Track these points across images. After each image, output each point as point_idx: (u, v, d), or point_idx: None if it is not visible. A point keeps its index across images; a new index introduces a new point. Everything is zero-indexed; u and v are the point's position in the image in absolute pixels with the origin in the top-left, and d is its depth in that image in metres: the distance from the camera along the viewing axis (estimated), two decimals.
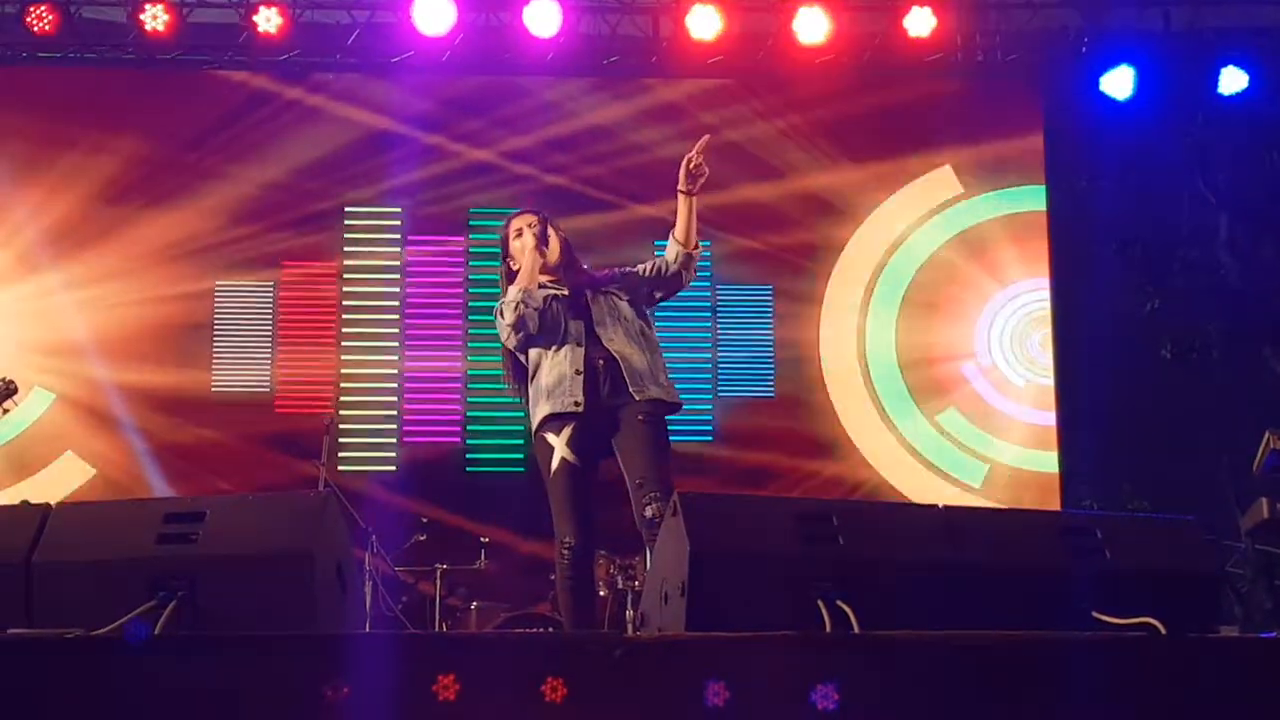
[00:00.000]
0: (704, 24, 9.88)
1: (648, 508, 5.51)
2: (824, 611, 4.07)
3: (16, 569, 4.20)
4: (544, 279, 5.93)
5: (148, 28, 9.75)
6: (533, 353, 5.90)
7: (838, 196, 10.64)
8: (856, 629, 4.03)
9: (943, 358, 10.54)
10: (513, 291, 5.84)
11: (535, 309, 5.80)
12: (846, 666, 3.79)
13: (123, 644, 3.84)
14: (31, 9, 9.72)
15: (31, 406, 9.81)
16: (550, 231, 5.99)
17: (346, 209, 10.46)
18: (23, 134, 10.30)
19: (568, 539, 5.67)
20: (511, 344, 5.91)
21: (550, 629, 8.07)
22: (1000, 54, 10.50)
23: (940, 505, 4.69)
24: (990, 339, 10.56)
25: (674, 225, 6.05)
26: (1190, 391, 10.24)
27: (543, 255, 5.91)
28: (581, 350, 5.77)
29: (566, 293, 5.90)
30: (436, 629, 8.61)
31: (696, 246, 6.01)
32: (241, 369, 10.28)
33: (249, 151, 10.42)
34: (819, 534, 4.32)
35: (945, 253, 10.61)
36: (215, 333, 10.31)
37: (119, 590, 4.06)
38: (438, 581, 8.85)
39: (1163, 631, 4.17)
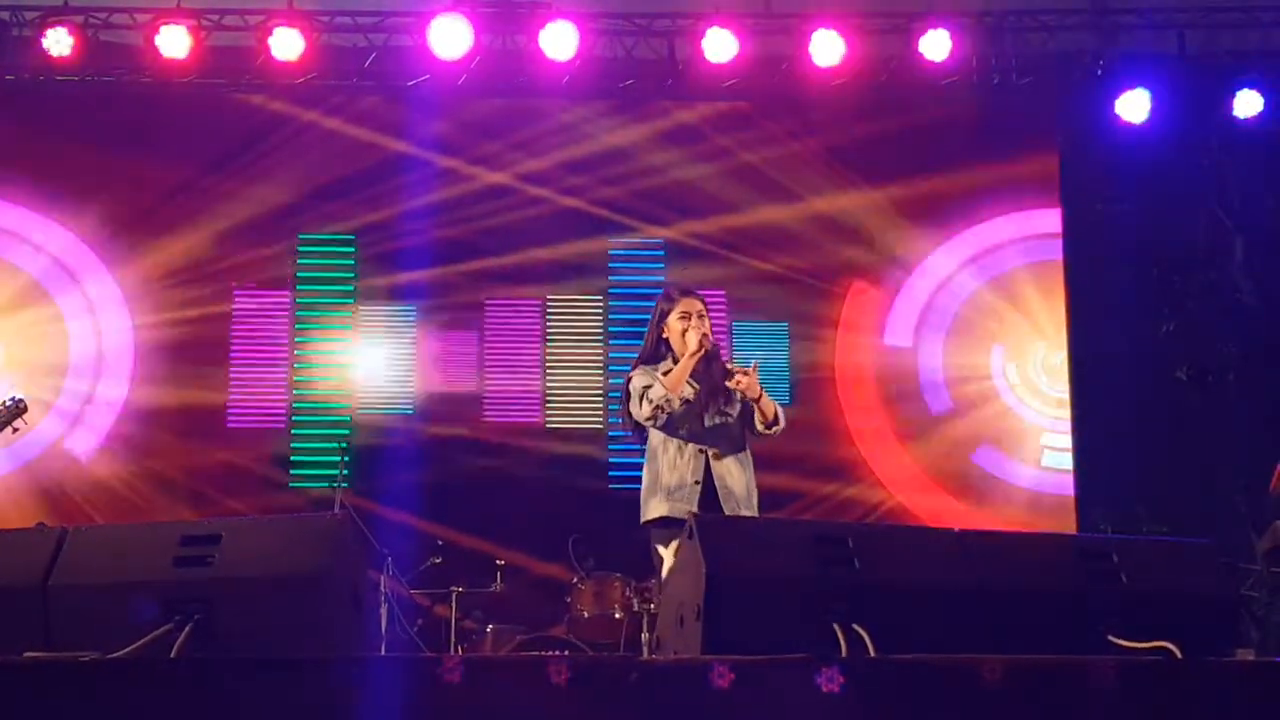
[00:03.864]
0: (720, 47, 9.89)
1: None
2: (839, 635, 4.06)
3: (34, 592, 4.22)
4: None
5: (165, 51, 9.78)
6: (656, 434, 6.34)
7: (854, 219, 10.64)
8: (872, 652, 4.03)
9: (958, 380, 10.52)
10: (658, 391, 6.21)
11: (672, 413, 6.21)
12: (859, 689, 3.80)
13: (139, 667, 3.85)
14: (49, 32, 9.76)
15: (46, 427, 9.83)
16: (705, 313, 6.39)
17: (360, 235, 10.47)
18: (40, 156, 10.32)
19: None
20: (641, 421, 6.31)
21: (566, 651, 8.06)
22: (1015, 76, 10.49)
23: (955, 529, 4.69)
24: (1006, 362, 10.54)
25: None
26: (1206, 414, 10.22)
27: (702, 357, 6.26)
28: (703, 459, 6.23)
29: (698, 387, 6.28)
30: (452, 652, 8.60)
31: (777, 421, 6.34)
32: (257, 390, 10.28)
33: (266, 174, 10.45)
34: (834, 557, 4.32)
35: (962, 276, 10.60)
36: (233, 353, 10.32)
37: (136, 613, 4.07)
38: (453, 604, 8.84)
39: (1179, 655, 4.16)
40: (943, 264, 10.62)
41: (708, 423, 6.29)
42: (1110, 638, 4.25)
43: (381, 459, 10.07)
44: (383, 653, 7.69)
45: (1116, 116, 10.22)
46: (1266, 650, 8.70)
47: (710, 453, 6.23)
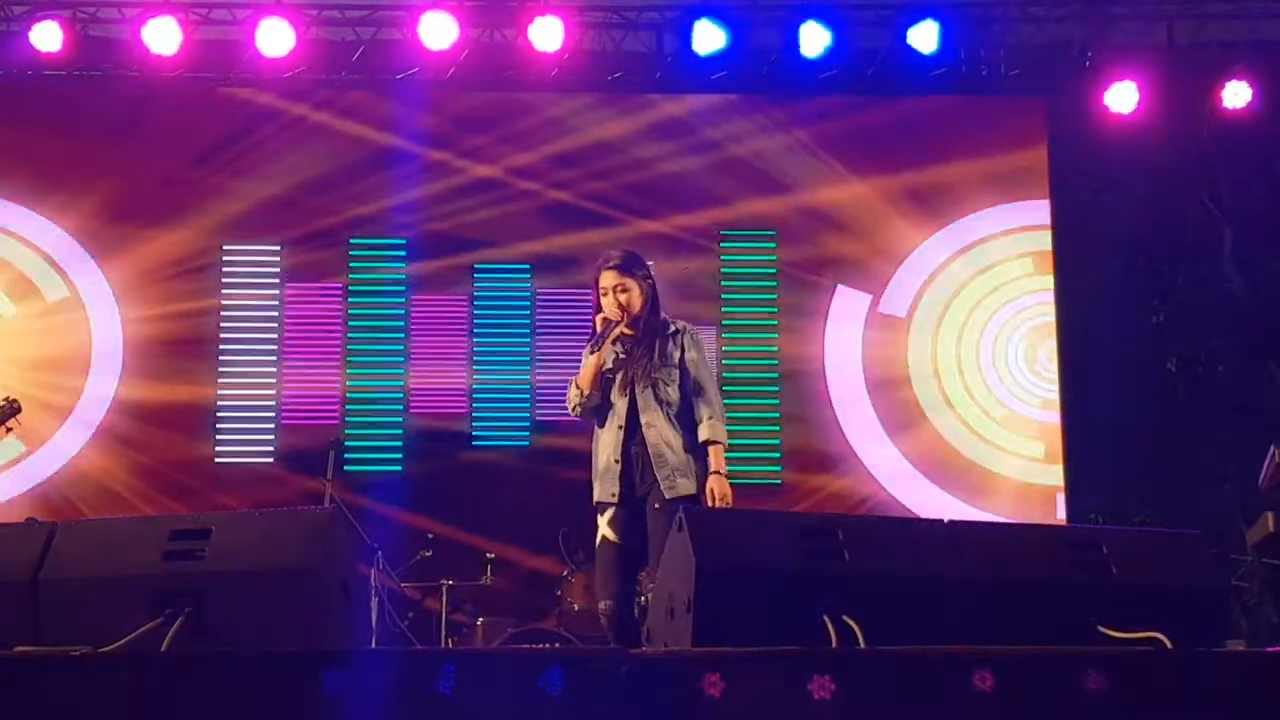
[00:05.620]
0: (707, 39, 9.89)
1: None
2: (829, 626, 4.07)
3: (23, 586, 4.22)
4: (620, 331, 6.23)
5: (153, 45, 9.76)
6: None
7: (842, 211, 10.63)
8: (862, 644, 4.04)
9: (948, 371, 10.53)
10: (572, 392, 6.25)
11: (592, 407, 6.23)
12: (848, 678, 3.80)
13: (129, 661, 3.85)
14: (37, 26, 9.74)
15: (37, 426, 9.80)
16: (633, 284, 6.23)
17: (351, 232, 10.45)
18: (28, 151, 10.30)
19: (603, 604, 6.16)
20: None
21: (556, 644, 8.07)
22: (1004, 68, 10.50)
23: (945, 520, 4.70)
24: (995, 353, 10.55)
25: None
26: (1196, 405, 10.24)
27: (605, 348, 6.18)
28: (623, 434, 6.16)
29: (622, 355, 6.21)
30: (443, 645, 8.60)
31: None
32: (246, 385, 10.27)
33: (254, 168, 10.43)
34: (824, 549, 4.34)
35: (951, 266, 10.60)
36: (221, 349, 10.31)
37: (126, 607, 4.07)
38: (444, 597, 8.84)
39: (1169, 646, 4.17)
40: (931, 255, 10.62)
41: (639, 392, 6.17)
42: (1100, 628, 4.26)
43: (371, 453, 10.06)
44: (373, 646, 7.68)
45: (1105, 108, 10.23)
46: (1257, 641, 8.73)
47: (642, 422, 6.12)
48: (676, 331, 6.30)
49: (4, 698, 3.77)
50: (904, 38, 9.99)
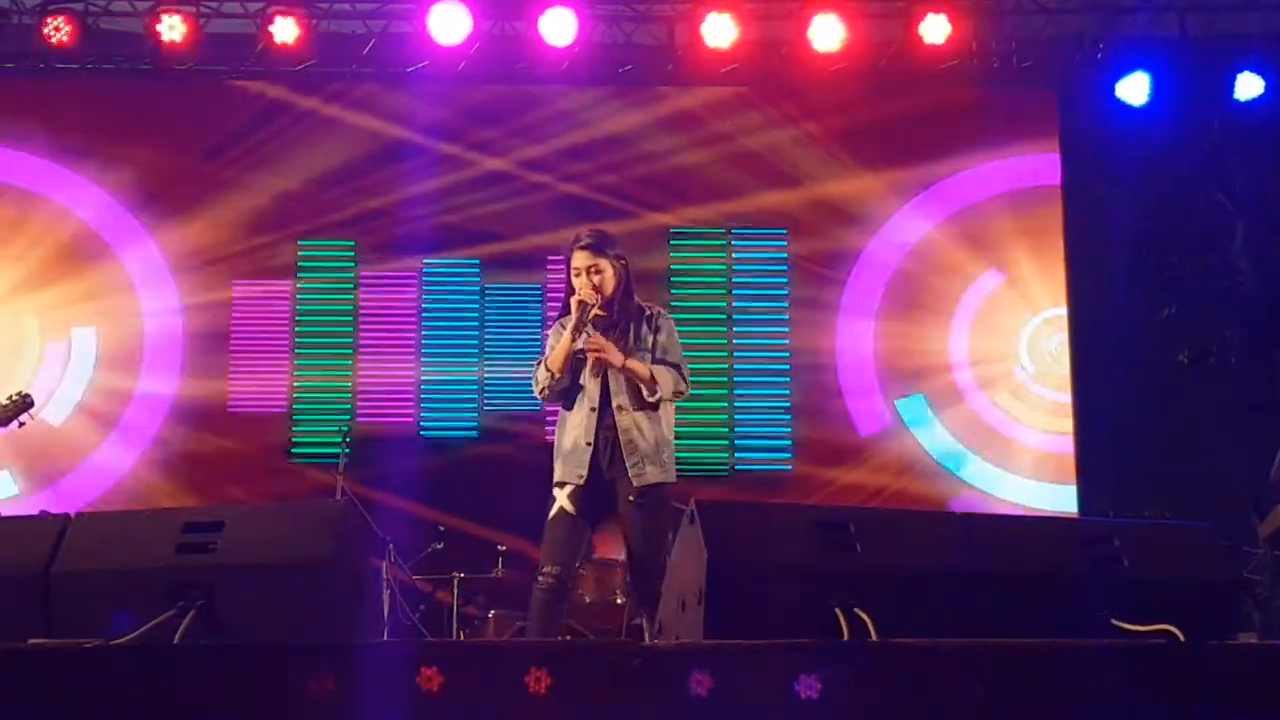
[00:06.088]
0: (719, 32, 9.88)
1: (638, 589, 6.22)
2: (841, 620, 4.07)
3: (36, 579, 4.23)
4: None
5: (164, 38, 9.78)
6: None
7: (853, 204, 10.63)
8: (874, 636, 4.03)
9: (959, 364, 10.51)
10: (542, 372, 6.12)
11: (560, 390, 6.11)
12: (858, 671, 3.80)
13: (141, 653, 3.85)
14: (49, 20, 9.76)
15: (50, 417, 9.84)
16: (606, 264, 6.14)
17: (361, 225, 10.46)
18: (40, 145, 10.32)
19: (548, 568, 5.97)
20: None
21: (567, 636, 8.07)
22: (1016, 60, 10.47)
23: (958, 512, 4.69)
24: (1005, 345, 10.53)
25: None
26: (1207, 397, 10.20)
27: (594, 310, 6.07)
28: (595, 417, 6.06)
29: (601, 331, 6.08)
30: (454, 638, 8.61)
31: (655, 389, 6.07)
32: (258, 379, 10.29)
33: (265, 162, 10.45)
34: (836, 542, 4.33)
35: (962, 259, 10.59)
36: (232, 343, 10.33)
37: (138, 600, 4.08)
38: (455, 590, 8.84)
39: (1181, 639, 4.17)
40: (942, 247, 10.61)
41: (612, 375, 6.07)
42: (1113, 621, 4.25)
43: (382, 445, 10.05)
44: (385, 639, 7.69)
45: (1117, 99, 10.21)
46: (1269, 634, 8.71)
47: (613, 405, 6.04)
48: (650, 315, 6.23)
49: (16, 690, 3.78)
50: (915, 30, 9.96)
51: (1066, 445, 10.37)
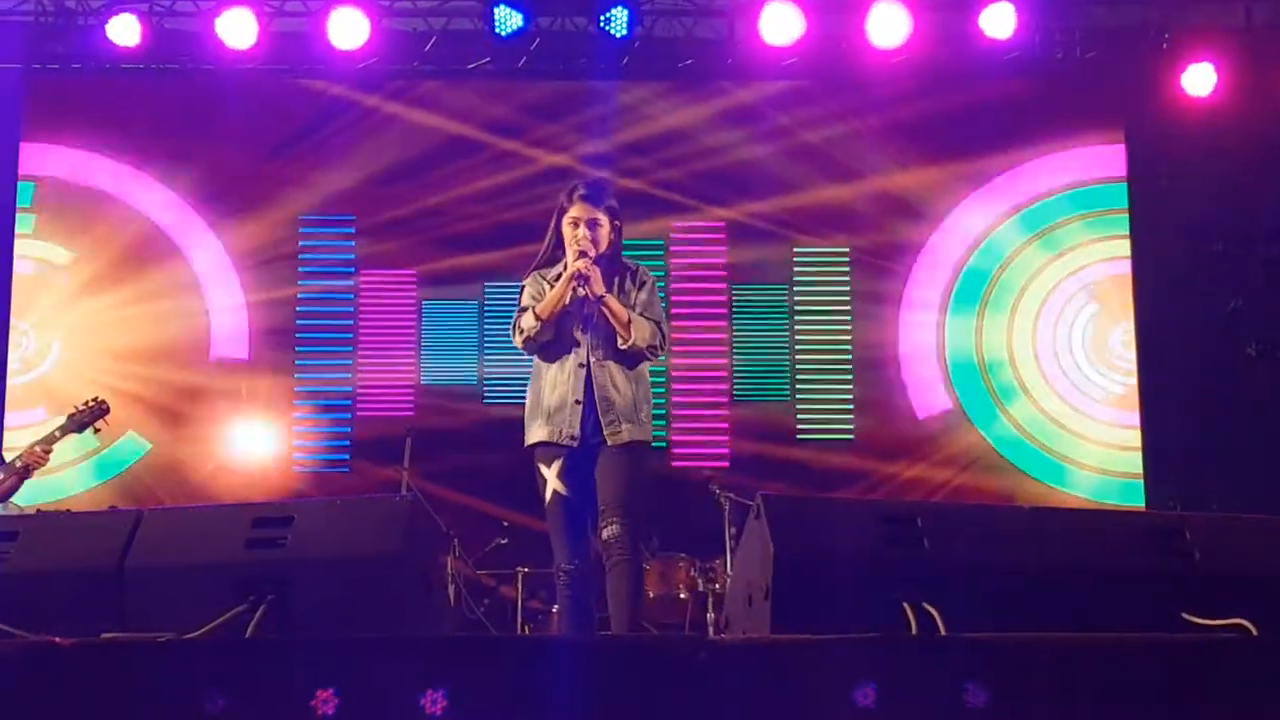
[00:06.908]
0: (778, 26, 9.84)
1: (604, 529, 5.78)
2: (909, 614, 4.06)
3: (110, 574, 4.28)
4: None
5: (228, 38, 9.84)
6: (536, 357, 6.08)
7: (916, 197, 10.58)
8: (942, 631, 4.02)
9: (1024, 357, 10.46)
10: (528, 320, 5.95)
11: (542, 341, 5.95)
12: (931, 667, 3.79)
13: (214, 647, 3.89)
14: (114, 20, 9.84)
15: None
16: (603, 218, 6.03)
17: (423, 221, 10.51)
18: (106, 145, 10.43)
19: (564, 564, 5.88)
20: (518, 347, 6.08)
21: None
22: (1080, 51, 10.37)
23: (1026, 506, 4.67)
24: (1072, 338, 10.47)
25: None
26: (1276, 390, 10.10)
27: (580, 283, 5.89)
28: (584, 373, 5.90)
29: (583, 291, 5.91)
30: (519, 632, 8.64)
31: (630, 333, 5.91)
32: (323, 374, 10.37)
33: (328, 159, 10.51)
34: (903, 536, 4.32)
35: (1026, 252, 10.53)
36: (297, 339, 10.41)
37: (210, 594, 4.12)
38: (519, 585, 8.87)
39: (1254, 633, 4.13)
40: (1005, 241, 10.55)
41: (593, 341, 5.93)
42: (1183, 615, 4.22)
43: (446, 441, 10.07)
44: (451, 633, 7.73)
45: (1182, 90, 10.11)
46: None
47: (592, 359, 5.89)
48: (634, 271, 6.11)
49: (91, 683, 3.83)
50: (977, 22, 9.90)
51: (1133, 439, 10.29)
